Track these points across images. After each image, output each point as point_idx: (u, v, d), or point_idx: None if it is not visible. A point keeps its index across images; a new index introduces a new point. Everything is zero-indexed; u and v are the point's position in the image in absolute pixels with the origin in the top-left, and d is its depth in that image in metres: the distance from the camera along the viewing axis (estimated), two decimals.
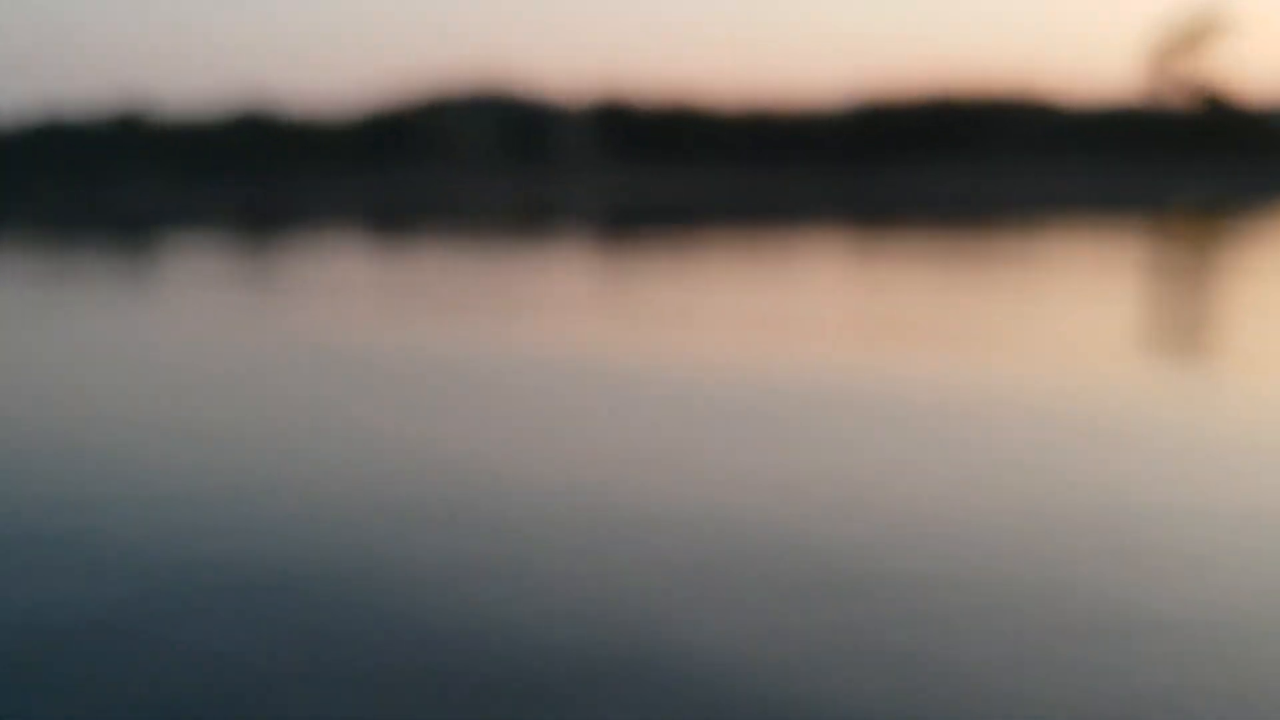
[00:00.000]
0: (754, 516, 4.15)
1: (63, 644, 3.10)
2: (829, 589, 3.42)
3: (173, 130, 67.05)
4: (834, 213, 37.47)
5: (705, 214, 35.91)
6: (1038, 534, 3.90)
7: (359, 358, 8.26)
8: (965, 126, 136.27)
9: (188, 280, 15.56)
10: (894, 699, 2.70)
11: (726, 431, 5.59)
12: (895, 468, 4.86)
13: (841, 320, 10.63)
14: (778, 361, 7.88)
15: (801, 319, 10.60)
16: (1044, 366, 7.39)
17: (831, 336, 9.31)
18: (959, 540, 3.84)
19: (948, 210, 37.20)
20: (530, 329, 9.96)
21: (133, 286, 14.59)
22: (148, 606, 3.38)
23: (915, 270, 15.12)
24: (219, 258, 20.30)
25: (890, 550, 3.77)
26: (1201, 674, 2.82)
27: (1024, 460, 4.98)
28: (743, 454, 5.12)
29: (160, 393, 7.01)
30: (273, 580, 3.58)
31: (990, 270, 14.60)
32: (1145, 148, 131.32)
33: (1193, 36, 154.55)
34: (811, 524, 4.08)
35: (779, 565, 3.64)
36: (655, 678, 2.82)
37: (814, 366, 7.66)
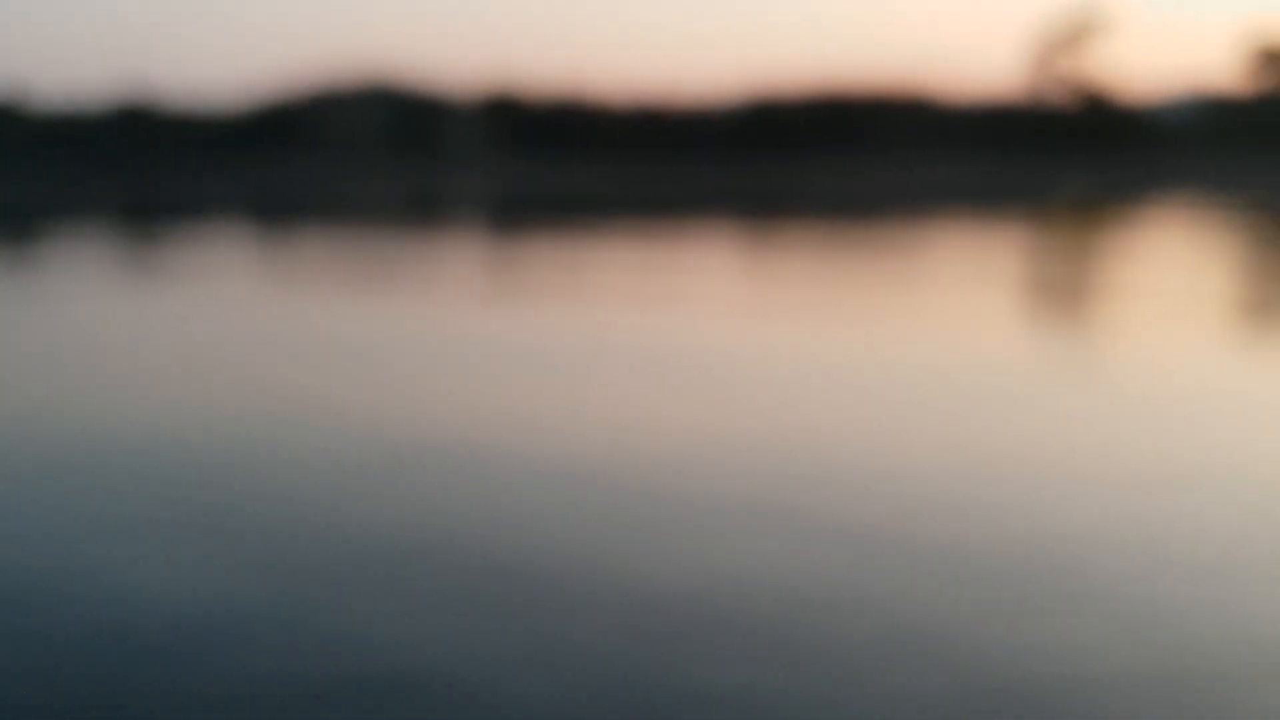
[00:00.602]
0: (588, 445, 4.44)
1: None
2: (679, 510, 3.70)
3: (50, 122, 64.99)
4: (723, 206, 37.99)
5: (595, 207, 36.12)
6: (877, 460, 4.37)
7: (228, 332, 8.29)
8: (852, 123, 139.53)
9: (63, 271, 15.25)
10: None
11: (586, 383, 5.89)
12: (746, 412, 5.20)
13: (710, 296, 10.92)
14: (648, 328, 8.16)
15: (668, 294, 10.89)
16: (901, 335, 7.82)
17: (699, 310, 9.62)
18: (781, 464, 4.19)
19: (833, 204, 38.02)
20: (401, 306, 10.12)
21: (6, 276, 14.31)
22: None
23: (793, 257, 15.54)
24: (96, 249, 19.91)
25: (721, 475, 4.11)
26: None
27: (857, 400, 5.39)
28: (600, 402, 5.41)
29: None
30: None
31: (864, 256, 15.05)
32: (1027, 144, 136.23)
33: (1073, 35, 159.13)
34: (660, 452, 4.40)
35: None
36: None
37: (674, 332, 7.97)
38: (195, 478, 4.45)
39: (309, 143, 67.88)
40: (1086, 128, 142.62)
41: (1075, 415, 5.51)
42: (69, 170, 61.64)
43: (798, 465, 4.48)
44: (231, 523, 3.83)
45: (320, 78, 71.05)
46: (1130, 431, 5.17)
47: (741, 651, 2.79)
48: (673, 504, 4.01)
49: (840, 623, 2.99)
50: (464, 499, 4.09)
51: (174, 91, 73.96)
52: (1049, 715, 2.51)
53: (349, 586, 3.18)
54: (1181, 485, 4.34)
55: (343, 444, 4.82)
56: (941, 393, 5.98)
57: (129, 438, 5.12)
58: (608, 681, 2.63)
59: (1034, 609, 3.07)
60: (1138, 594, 3.23)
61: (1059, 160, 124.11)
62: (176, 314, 10.06)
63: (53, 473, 4.51)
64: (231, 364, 7.17)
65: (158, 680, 2.65)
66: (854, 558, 3.53)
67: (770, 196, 47.15)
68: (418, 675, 2.68)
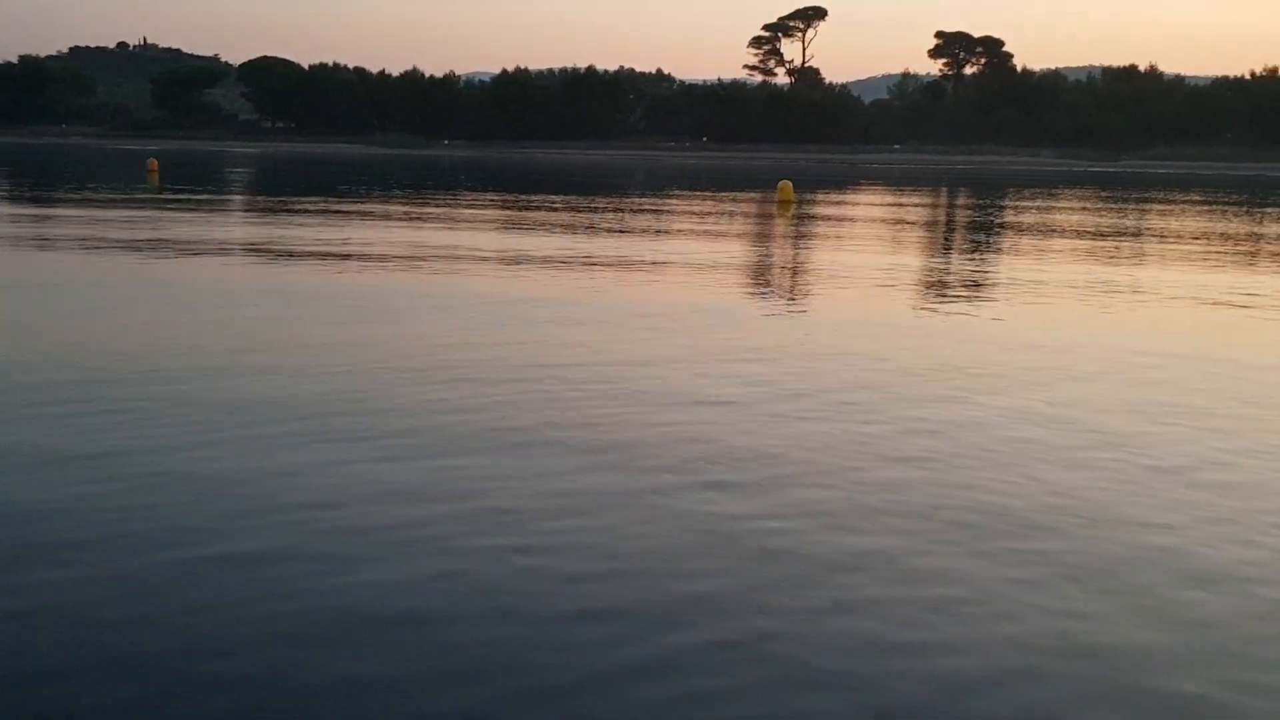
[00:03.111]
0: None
1: None
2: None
3: None
4: (469, 181, 39.85)
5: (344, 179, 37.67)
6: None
7: None
8: (592, 102, 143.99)
9: None
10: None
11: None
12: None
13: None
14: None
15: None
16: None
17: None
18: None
19: (577, 178, 40.37)
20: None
21: None
22: None
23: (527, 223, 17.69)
24: None
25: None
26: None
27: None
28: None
29: None
30: None
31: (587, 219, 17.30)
32: (744, 124, 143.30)
33: (788, 22, 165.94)
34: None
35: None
36: None
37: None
38: None
39: None
40: (798, 110, 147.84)
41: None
42: None
43: None
44: None
45: None
46: None
47: None
48: None
49: None
50: None
51: None
52: None
53: None
54: None
55: None
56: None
57: None
58: None
59: None
60: None
61: (773, 140, 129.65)
62: None
63: None
64: None
65: None
66: None
67: (519, 172, 49.25)
68: None
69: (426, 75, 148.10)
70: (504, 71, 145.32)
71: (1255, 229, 26.23)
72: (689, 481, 5.18)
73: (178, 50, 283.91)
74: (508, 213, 26.19)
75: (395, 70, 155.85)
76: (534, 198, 33.18)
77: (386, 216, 23.86)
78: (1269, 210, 35.82)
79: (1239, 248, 20.54)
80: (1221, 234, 24.02)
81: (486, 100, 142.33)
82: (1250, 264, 17.46)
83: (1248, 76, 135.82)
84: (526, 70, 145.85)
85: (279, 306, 10.41)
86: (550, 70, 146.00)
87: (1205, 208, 36.35)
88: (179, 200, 27.58)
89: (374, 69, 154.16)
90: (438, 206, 27.77)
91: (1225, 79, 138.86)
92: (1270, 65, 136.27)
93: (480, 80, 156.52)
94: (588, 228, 21.55)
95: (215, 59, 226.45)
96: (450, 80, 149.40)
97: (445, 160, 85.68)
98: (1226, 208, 36.51)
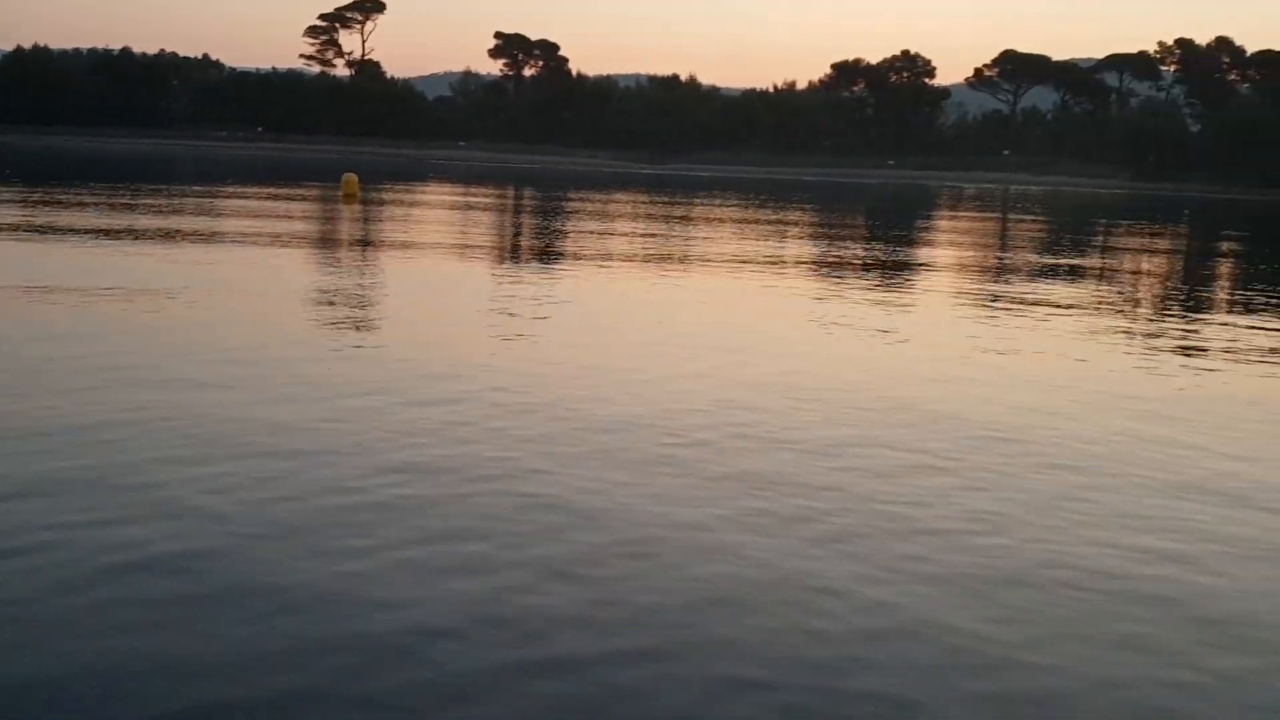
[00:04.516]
0: None
1: None
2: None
3: None
4: None
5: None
6: None
7: None
8: (129, 87, 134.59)
9: None
10: None
11: None
12: None
13: None
14: None
15: None
16: None
17: None
18: None
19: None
20: None
21: None
22: None
23: None
24: None
25: None
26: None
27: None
28: None
29: None
30: None
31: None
32: (304, 115, 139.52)
33: (346, 13, 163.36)
34: None
35: None
36: None
37: None
38: None
39: None
40: (360, 99, 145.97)
41: None
42: None
43: None
44: None
45: None
46: None
47: None
48: None
49: None
50: None
51: None
52: None
53: None
54: None
55: None
56: None
57: None
58: None
59: None
60: None
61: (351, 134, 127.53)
62: None
63: None
64: None
65: None
66: None
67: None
68: None
69: None
70: (19, 49, 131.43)
71: (779, 220, 29.33)
72: None
73: None
74: None
75: None
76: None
77: None
78: (791, 210, 39.97)
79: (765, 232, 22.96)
80: (754, 221, 26.68)
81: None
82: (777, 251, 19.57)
83: (771, 90, 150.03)
84: (47, 48, 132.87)
85: None
86: (78, 50, 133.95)
87: (738, 206, 40.02)
88: None
89: None
90: None
91: (754, 91, 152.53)
92: (790, 79, 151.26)
93: None
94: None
95: None
96: None
97: None
98: (757, 207, 40.42)
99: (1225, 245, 29.03)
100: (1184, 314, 12.53)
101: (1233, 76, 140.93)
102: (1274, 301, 14.04)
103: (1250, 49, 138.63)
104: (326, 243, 16.71)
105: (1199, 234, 35.79)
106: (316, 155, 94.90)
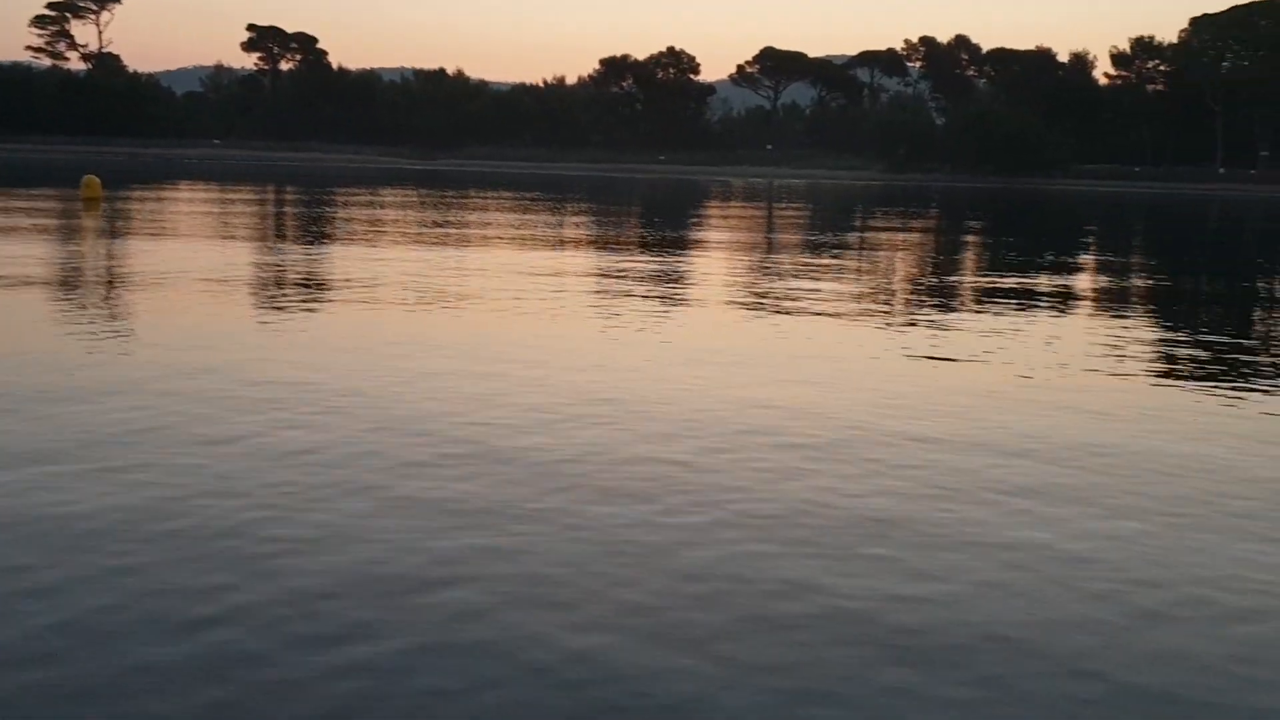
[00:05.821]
0: None
1: None
2: None
3: None
4: None
5: None
6: None
7: None
8: None
9: None
10: None
11: None
12: None
13: None
14: None
15: None
16: None
17: None
18: None
19: None
20: None
21: None
22: None
23: None
24: None
25: None
26: None
27: None
28: None
29: None
30: None
31: None
32: (33, 113, 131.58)
33: (78, 2, 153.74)
34: None
35: None
36: None
37: None
38: None
39: None
40: (97, 95, 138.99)
41: None
42: None
43: None
44: None
45: None
46: None
47: None
48: None
49: None
50: None
51: None
52: None
53: None
54: None
55: None
56: None
57: None
58: None
59: None
60: None
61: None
62: None
63: None
64: None
65: None
66: None
67: None
68: None
69: None
70: None
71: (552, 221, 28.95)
72: None
73: None
74: None
75: None
76: None
77: None
78: (566, 208, 39.80)
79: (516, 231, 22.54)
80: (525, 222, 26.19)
81: None
82: (555, 248, 19.21)
83: (541, 84, 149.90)
84: None
85: None
86: None
87: (512, 201, 39.54)
88: None
89: None
90: None
91: (523, 85, 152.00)
92: (559, 74, 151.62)
93: None
94: None
95: None
96: None
97: None
98: (531, 203, 40.04)
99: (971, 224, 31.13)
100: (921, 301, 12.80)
101: (971, 72, 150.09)
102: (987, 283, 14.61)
103: (986, 47, 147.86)
104: (67, 272, 15.10)
105: (947, 217, 38.35)
106: (52, 156, 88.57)
